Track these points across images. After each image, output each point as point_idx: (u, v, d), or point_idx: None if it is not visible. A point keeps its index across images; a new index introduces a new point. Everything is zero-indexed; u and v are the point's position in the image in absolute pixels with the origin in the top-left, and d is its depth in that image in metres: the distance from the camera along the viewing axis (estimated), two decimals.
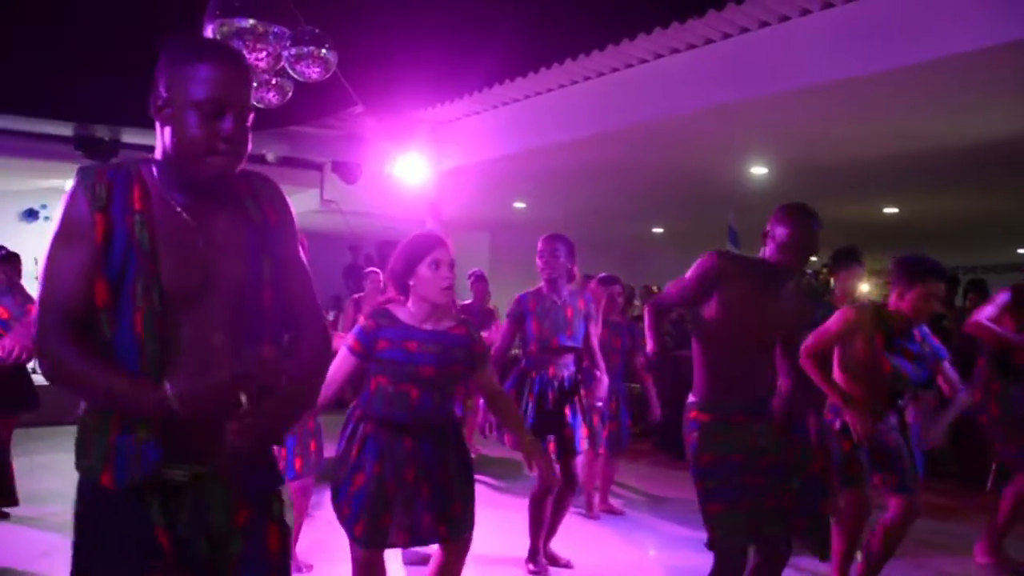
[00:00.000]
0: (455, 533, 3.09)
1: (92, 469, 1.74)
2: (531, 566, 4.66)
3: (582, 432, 4.61)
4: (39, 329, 1.68)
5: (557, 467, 4.48)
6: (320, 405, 3.09)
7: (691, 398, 3.28)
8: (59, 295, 1.69)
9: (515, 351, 4.88)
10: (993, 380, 4.90)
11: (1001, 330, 4.76)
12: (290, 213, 1.94)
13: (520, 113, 8.49)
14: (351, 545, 3.08)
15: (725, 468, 3.12)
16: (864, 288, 6.27)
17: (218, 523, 1.79)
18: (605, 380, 4.74)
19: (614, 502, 6.24)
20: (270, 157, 10.53)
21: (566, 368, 4.63)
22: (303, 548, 4.50)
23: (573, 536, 5.05)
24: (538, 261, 4.65)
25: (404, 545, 3.10)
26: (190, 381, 1.65)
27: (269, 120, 7.57)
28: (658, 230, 14.46)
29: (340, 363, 3.06)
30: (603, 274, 6.37)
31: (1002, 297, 4.90)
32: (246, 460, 1.80)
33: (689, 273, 3.27)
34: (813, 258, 5.71)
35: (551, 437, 4.50)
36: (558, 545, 4.83)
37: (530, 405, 4.51)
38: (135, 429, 1.71)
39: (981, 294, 7.98)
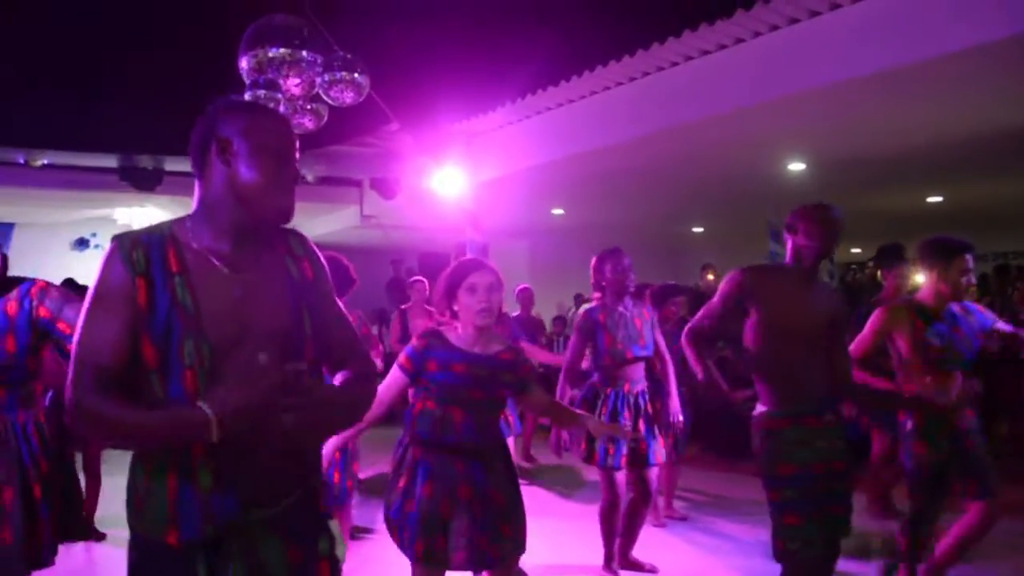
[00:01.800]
0: (507, 555, 3.11)
1: (154, 529, 1.77)
2: (606, 574, 4.70)
3: (656, 445, 4.61)
4: (74, 387, 1.70)
5: (623, 478, 4.53)
6: (368, 423, 3.10)
7: (760, 408, 3.28)
8: (95, 355, 1.72)
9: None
10: None
11: None
12: (324, 267, 2.01)
13: (554, 121, 8.53)
14: (412, 567, 3.11)
15: (806, 479, 3.11)
16: (917, 281, 6.19)
17: (270, 565, 1.82)
18: (675, 393, 4.82)
19: (677, 506, 6.23)
20: (310, 177, 10.69)
21: (639, 383, 4.64)
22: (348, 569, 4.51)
23: (642, 544, 5.03)
24: (608, 273, 4.63)
25: (466, 566, 3.08)
26: (225, 392, 1.68)
27: (308, 141, 7.71)
28: (698, 230, 14.40)
29: (390, 380, 3.11)
30: (658, 284, 6.36)
31: None
32: (298, 515, 1.86)
33: (716, 295, 3.32)
34: (856, 250, 5.64)
35: (624, 451, 4.48)
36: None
37: (604, 420, 4.48)
38: (195, 479, 1.74)
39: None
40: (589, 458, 4.51)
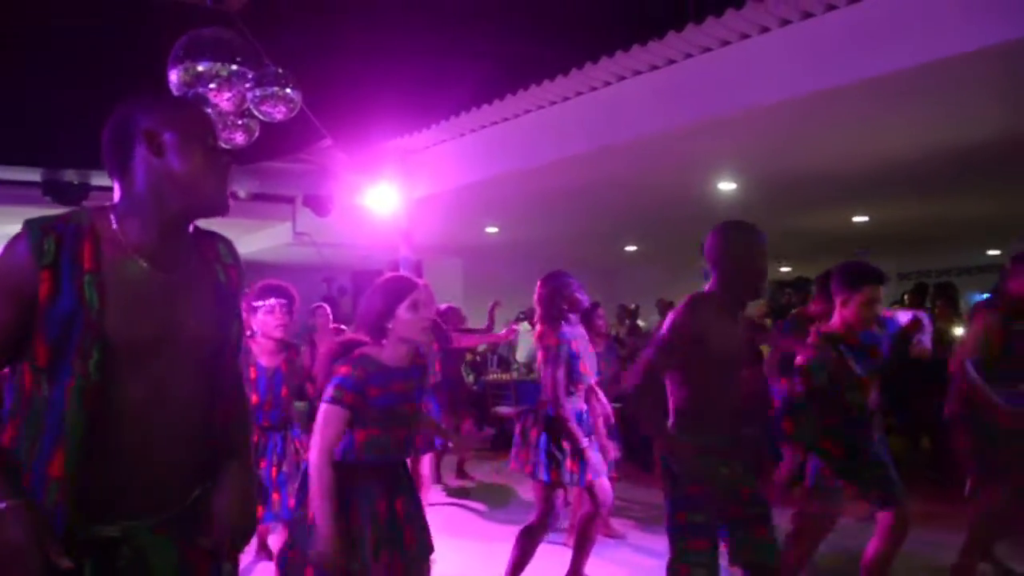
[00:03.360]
0: (417, 567, 3.07)
1: None
2: None
3: (597, 457, 4.55)
4: None
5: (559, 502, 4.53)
6: (325, 480, 2.87)
7: (672, 426, 3.20)
8: None
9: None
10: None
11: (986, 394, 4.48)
12: (244, 278, 1.99)
13: (488, 140, 8.55)
14: None
15: (710, 501, 3.07)
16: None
17: (162, 570, 1.76)
18: (605, 402, 4.85)
19: (615, 525, 6.13)
20: (241, 193, 10.53)
21: (580, 400, 4.63)
22: None
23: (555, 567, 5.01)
24: (575, 294, 4.59)
25: None
26: (14, 519, 1.59)
27: (239, 157, 7.59)
28: (631, 248, 14.54)
29: (335, 423, 2.89)
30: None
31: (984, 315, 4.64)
32: (194, 517, 1.83)
33: (655, 348, 3.15)
34: (785, 268, 5.74)
35: (568, 464, 4.45)
36: (542, 573, 4.82)
37: (543, 438, 4.47)
38: (45, 491, 1.65)
39: (949, 300, 8.05)
40: (545, 477, 4.45)
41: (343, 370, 2.94)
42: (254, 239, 12.87)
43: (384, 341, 3.02)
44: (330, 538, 2.77)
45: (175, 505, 1.78)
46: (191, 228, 1.86)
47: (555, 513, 4.53)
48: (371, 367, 2.95)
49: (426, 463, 4.87)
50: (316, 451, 2.86)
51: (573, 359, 4.49)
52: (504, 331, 7.77)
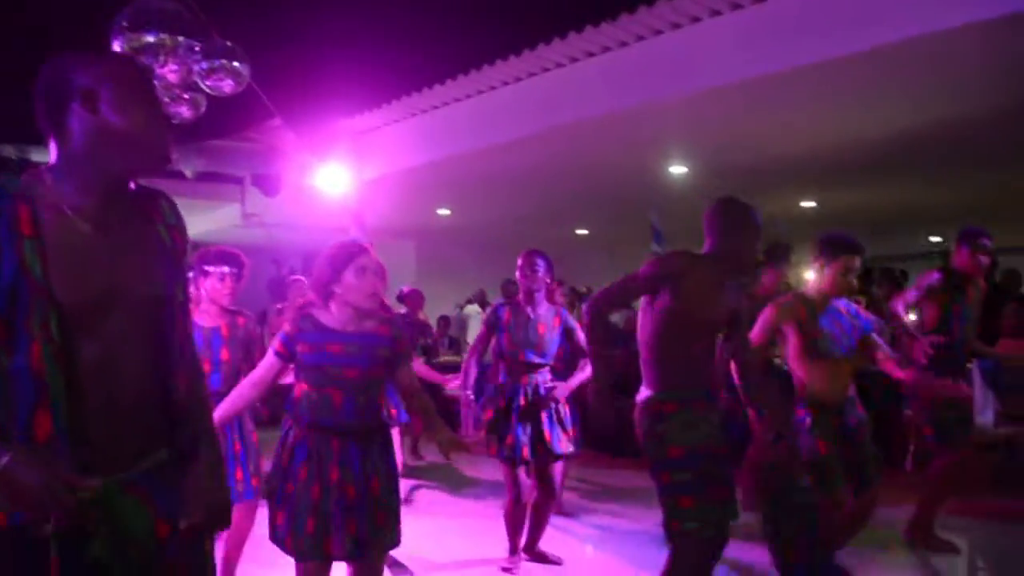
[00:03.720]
0: (378, 547, 3.07)
1: None
2: (507, 562, 4.71)
3: (558, 435, 4.60)
4: None
5: (524, 473, 4.58)
6: (246, 405, 3.22)
7: (647, 392, 3.28)
8: None
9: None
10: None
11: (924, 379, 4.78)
12: (188, 239, 1.94)
13: (439, 120, 8.50)
14: (295, 563, 3.05)
15: (697, 460, 3.13)
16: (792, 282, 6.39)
17: (137, 534, 1.72)
18: (566, 384, 4.77)
19: (566, 500, 6.16)
20: (188, 172, 10.36)
21: (540, 376, 4.66)
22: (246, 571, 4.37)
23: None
24: (517, 274, 4.69)
25: (336, 555, 3.03)
26: (23, 465, 1.53)
27: (187, 134, 7.45)
28: (582, 232, 14.57)
29: (265, 365, 3.15)
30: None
31: (928, 279, 4.94)
32: (166, 487, 1.78)
33: (642, 271, 3.29)
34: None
35: (525, 442, 4.52)
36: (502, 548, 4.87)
37: (512, 415, 4.55)
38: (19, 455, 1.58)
39: (891, 283, 8.20)
40: (499, 454, 4.55)
41: (285, 325, 3.16)
42: (202, 220, 12.64)
43: (331, 304, 3.10)
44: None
45: (140, 463, 1.74)
46: (132, 186, 1.81)
47: (521, 490, 4.57)
48: (307, 324, 3.08)
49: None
50: (243, 384, 3.21)
51: (500, 329, 4.61)
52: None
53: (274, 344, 3.15)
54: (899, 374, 4.40)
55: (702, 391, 3.27)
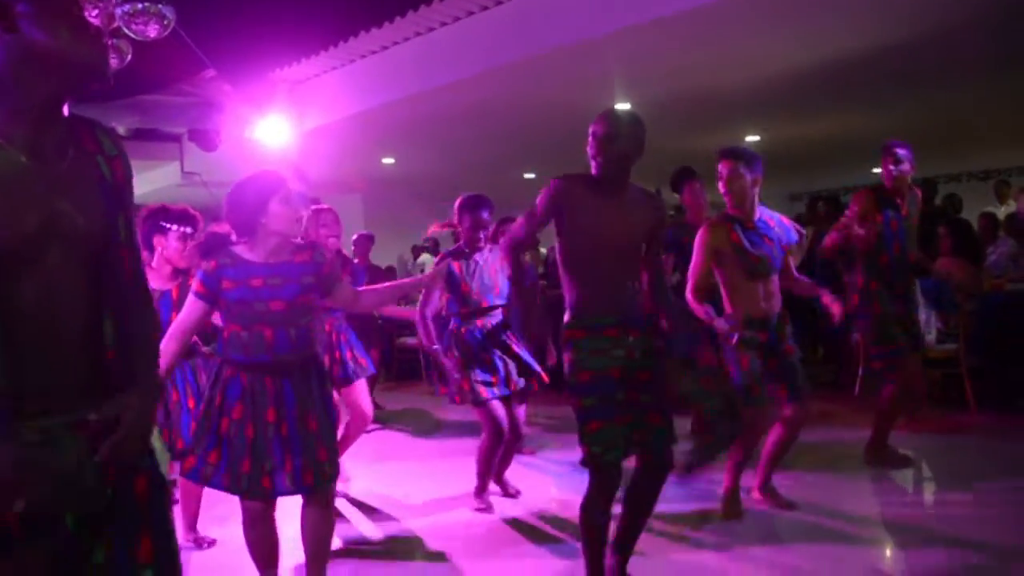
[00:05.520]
0: (321, 481, 3.05)
1: None
2: (478, 503, 4.78)
3: (512, 369, 4.64)
4: None
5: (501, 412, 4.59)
6: (173, 356, 3.06)
7: (565, 319, 3.29)
8: None
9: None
10: (871, 279, 5.03)
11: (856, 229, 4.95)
12: (132, 173, 1.83)
13: (377, 66, 8.35)
14: (240, 501, 3.04)
15: (603, 384, 3.14)
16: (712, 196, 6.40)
17: (84, 483, 1.66)
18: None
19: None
20: (121, 130, 10.08)
21: (493, 318, 4.68)
22: (205, 523, 4.34)
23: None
24: (465, 223, 4.69)
25: (276, 492, 3.02)
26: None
27: (117, 90, 7.21)
28: (530, 176, 14.49)
29: (189, 309, 3.06)
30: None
31: (858, 199, 5.09)
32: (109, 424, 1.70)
33: (536, 202, 3.29)
34: None
35: (492, 388, 4.54)
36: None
37: (458, 358, 4.58)
38: None
39: (837, 211, 8.29)
40: (463, 399, 4.56)
41: (203, 264, 3.05)
42: (140, 180, 11.95)
43: (252, 237, 3.05)
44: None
45: (83, 404, 1.66)
46: (66, 114, 1.71)
47: (502, 426, 4.59)
48: (226, 261, 3.01)
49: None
50: (168, 332, 3.02)
51: (454, 280, 4.61)
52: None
53: (194, 286, 3.05)
54: (806, 292, 4.45)
55: (612, 318, 3.22)
